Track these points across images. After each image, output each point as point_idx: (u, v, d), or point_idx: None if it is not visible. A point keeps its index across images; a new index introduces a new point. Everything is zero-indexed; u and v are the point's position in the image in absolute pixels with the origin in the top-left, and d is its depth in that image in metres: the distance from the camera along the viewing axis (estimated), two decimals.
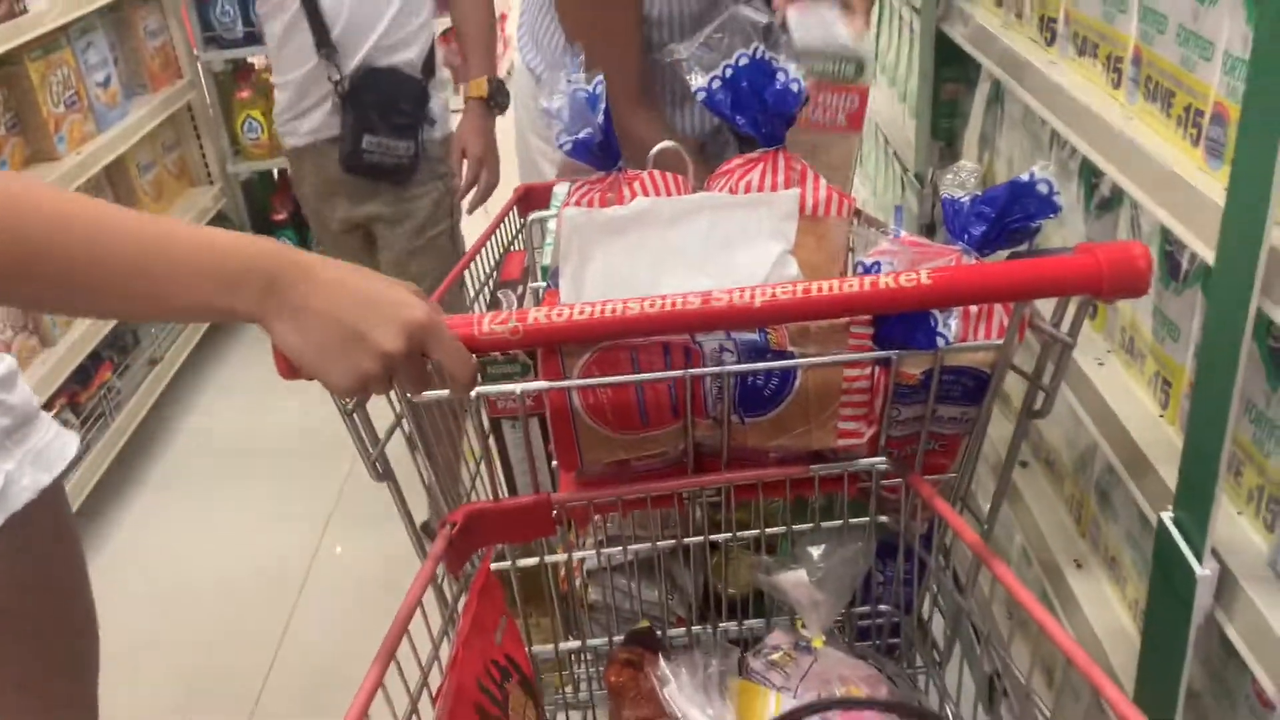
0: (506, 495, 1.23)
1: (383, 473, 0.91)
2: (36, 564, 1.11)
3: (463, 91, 2.16)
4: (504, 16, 4.86)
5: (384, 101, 2.13)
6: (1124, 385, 1.23)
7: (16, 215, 0.69)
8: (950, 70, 1.80)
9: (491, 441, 1.27)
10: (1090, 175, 1.31)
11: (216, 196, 3.59)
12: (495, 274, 1.42)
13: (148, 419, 2.91)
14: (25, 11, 2.53)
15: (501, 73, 2.24)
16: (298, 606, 2.37)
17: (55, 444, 1.11)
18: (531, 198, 1.51)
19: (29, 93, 2.58)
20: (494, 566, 1.07)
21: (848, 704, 0.89)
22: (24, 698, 1.14)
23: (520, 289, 1.36)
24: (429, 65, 2.22)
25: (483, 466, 1.22)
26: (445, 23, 2.75)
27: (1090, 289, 0.74)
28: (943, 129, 1.84)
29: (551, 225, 1.29)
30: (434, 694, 0.90)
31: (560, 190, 1.38)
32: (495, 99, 2.12)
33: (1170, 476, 1.05)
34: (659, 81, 1.63)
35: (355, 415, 0.86)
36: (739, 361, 0.86)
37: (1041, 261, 0.77)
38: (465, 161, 2.15)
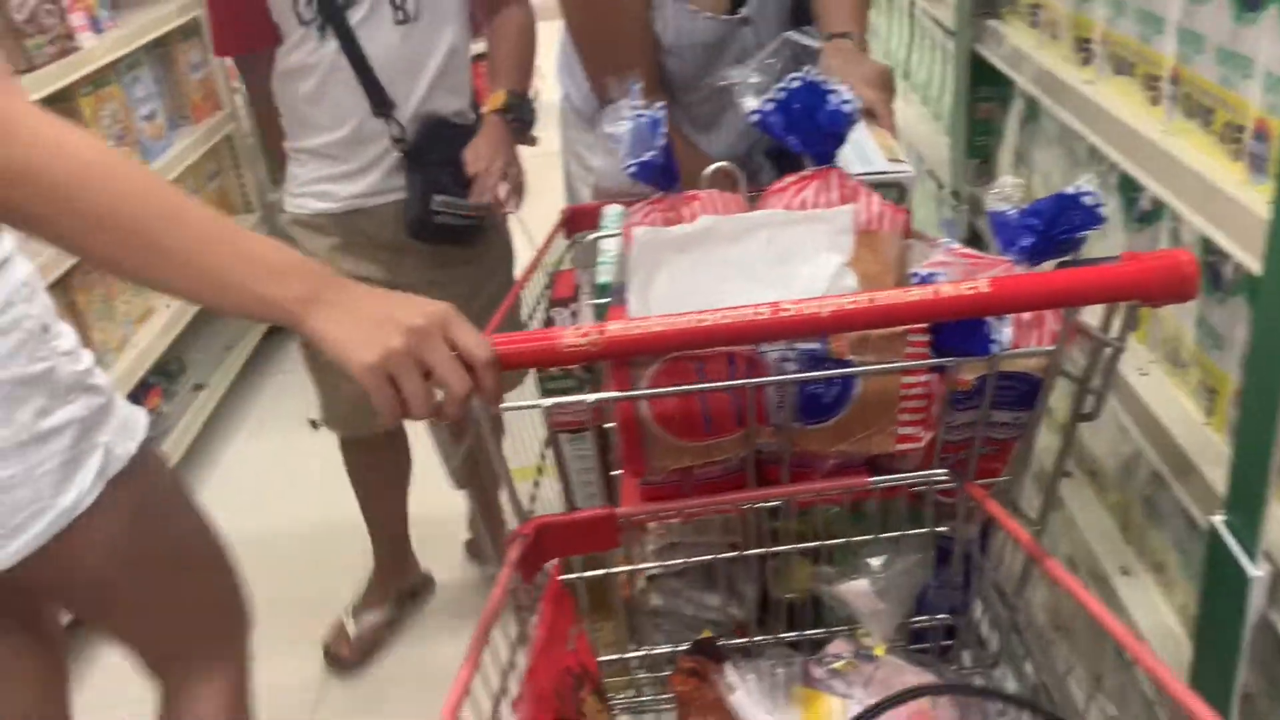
0: (567, 509, 1.27)
1: (462, 482, 0.95)
2: (149, 517, 1.25)
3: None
4: None
5: (451, 158, 1.90)
6: (1168, 394, 1.26)
7: (113, 184, 0.87)
8: (984, 90, 1.83)
9: (551, 454, 1.31)
10: (1130, 189, 1.34)
11: (255, 225, 3.67)
12: (547, 293, 1.46)
13: (194, 445, 2.97)
14: (77, 49, 2.61)
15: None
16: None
17: (132, 416, 1.24)
18: (577, 219, 1.56)
19: (81, 127, 2.66)
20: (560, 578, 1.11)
21: (909, 695, 0.91)
22: (177, 591, 1.33)
23: (573, 307, 1.40)
24: (477, 112, 2.03)
25: (543, 479, 1.26)
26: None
27: (1140, 295, 0.78)
28: (977, 146, 1.87)
29: (604, 245, 1.34)
30: (512, 702, 0.94)
31: (610, 211, 1.43)
32: (514, 112, 1.93)
33: (1217, 481, 1.07)
34: (680, 109, 1.68)
35: (436, 426, 0.90)
36: (800, 371, 0.89)
37: (1094, 269, 0.80)
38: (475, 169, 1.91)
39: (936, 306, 0.77)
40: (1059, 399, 1.46)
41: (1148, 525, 1.39)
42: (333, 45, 1.81)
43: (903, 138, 1.73)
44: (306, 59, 1.84)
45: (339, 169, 1.94)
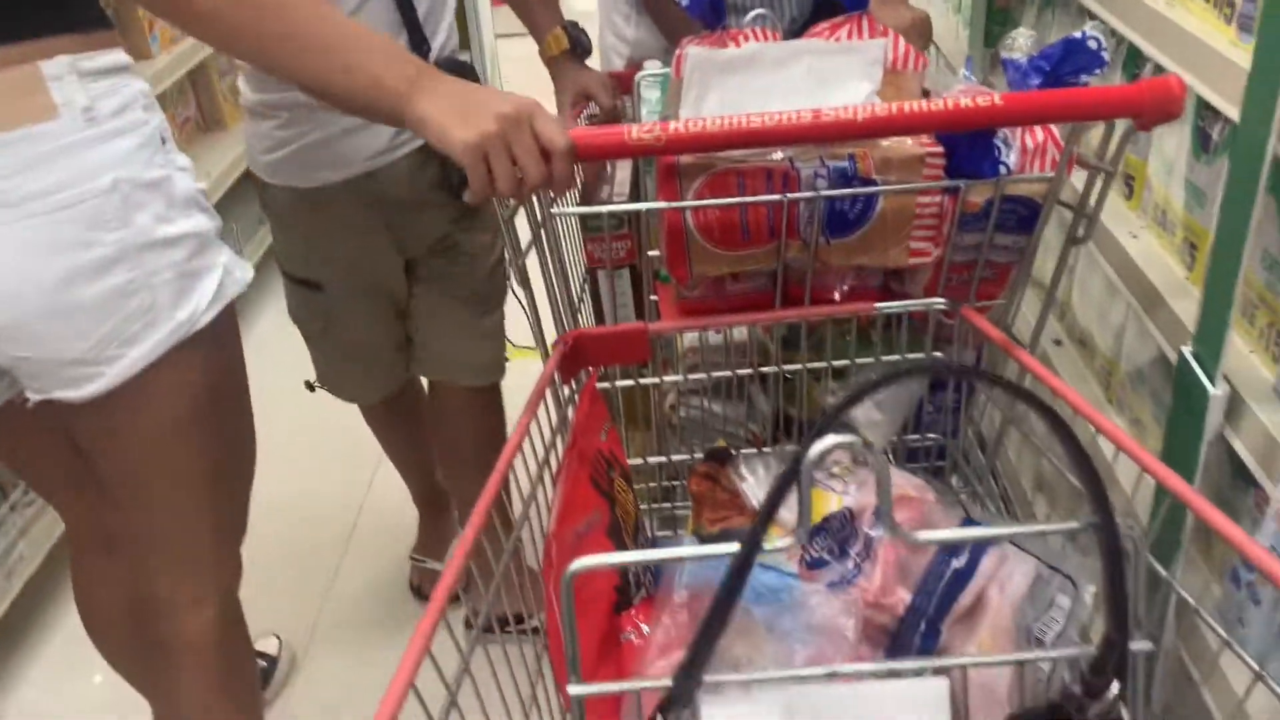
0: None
1: (521, 281, 1.08)
2: (225, 386, 1.25)
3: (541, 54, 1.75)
4: None
5: None
6: (1155, 253, 1.38)
7: None
8: None
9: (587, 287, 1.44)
10: (1134, 66, 1.45)
11: None
12: None
13: None
14: None
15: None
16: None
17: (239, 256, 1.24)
18: (618, 81, 1.67)
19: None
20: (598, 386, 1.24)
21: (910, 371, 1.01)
22: (214, 484, 1.29)
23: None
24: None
25: (582, 304, 1.40)
26: None
27: (1134, 112, 0.89)
28: (995, 36, 1.97)
29: (647, 93, 1.46)
30: (553, 475, 1.08)
31: (651, 64, 1.54)
32: (578, 46, 1.73)
33: (1189, 319, 1.20)
34: None
35: (510, 225, 1.03)
36: (830, 188, 1.01)
37: (1096, 89, 0.91)
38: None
39: (956, 116, 0.89)
40: (1043, 268, 1.59)
41: (1130, 384, 1.52)
42: None
43: None
44: None
45: (350, 122, 1.50)
